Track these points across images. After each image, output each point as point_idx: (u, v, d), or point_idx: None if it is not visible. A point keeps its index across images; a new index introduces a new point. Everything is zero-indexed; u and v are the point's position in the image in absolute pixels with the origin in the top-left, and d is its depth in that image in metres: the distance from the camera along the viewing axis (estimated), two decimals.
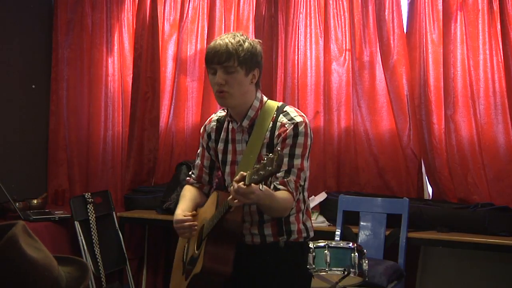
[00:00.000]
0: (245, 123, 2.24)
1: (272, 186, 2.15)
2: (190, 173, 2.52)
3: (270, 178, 2.01)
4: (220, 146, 2.33)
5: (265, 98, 2.29)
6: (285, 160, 2.14)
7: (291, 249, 2.26)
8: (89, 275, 1.45)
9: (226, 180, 2.31)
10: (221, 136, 2.33)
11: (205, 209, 2.37)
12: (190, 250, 2.37)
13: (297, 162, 2.16)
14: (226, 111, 2.35)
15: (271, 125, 2.21)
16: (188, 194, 2.43)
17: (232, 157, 2.29)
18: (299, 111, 2.25)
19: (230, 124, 2.31)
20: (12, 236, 1.28)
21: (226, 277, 2.17)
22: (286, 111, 2.23)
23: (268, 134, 2.21)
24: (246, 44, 2.16)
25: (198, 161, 2.46)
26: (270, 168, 1.86)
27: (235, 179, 1.97)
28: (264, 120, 2.22)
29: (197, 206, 2.41)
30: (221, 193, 2.27)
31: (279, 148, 2.07)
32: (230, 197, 1.99)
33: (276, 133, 2.19)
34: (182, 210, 2.33)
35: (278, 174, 2.13)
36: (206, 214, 2.31)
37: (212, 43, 2.19)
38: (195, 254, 2.28)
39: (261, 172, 1.89)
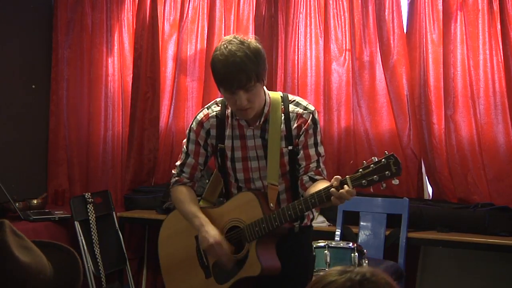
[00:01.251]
0: (261, 120, 2.27)
1: (307, 178, 2.24)
2: (177, 172, 2.41)
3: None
4: (228, 143, 2.32)
5: (268, 92, 2.32)
6: (313, 150, 2.26)
7: (304, 234, 2.37)
8: (80, 268, 1.42)
9: (238, 176, 2.32)
10: (227, 133, 2.32)
11: (234, 208, 2.31)
12: None
13: (321, 150, 2.28)
14: (220, 104, 2.36)
15: (283, 116, 2.26)
16: (192, 196, 2.37)
17: (243, 153, 2.30)
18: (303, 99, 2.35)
19: (234, 120, 2.31)
20: (3, 242, 1.26)
21: (278, 273, 2.22)
22: (294, 100, 2.31)
23: (283, 126, 2.26)
24: (254, 55, 2.11)
25: (190, 160, 2.37)
26: (388, 172, 1.99)
27: (334, 185, 2.04)
28: (275, 112, 2.27)
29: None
30: (259, 194, 2.26)
31: (308, 142, 2.24)
32: (333, 201, 2.05)
33: (294, 124, 2.26)
34: (214, 229, 2.26)
35: (311, 165, 2.24)
36: (237, 215, 2.27)
37: (221, 66, 2.11)
38: (233, 257, 2.26)
39: (375, 177, 2.00)
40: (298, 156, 2.27)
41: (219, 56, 2.14)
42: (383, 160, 1.99)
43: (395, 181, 2.00)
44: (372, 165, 2.01)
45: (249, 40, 2.16)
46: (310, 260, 2.46)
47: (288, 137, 2.26)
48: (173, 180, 2.42)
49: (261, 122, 2.27)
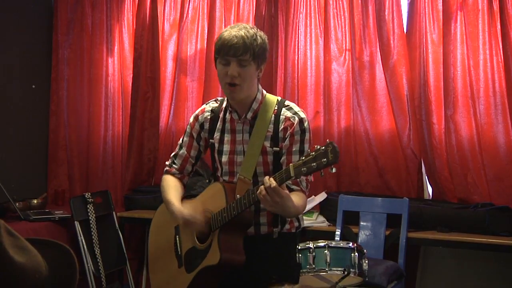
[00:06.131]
0: (249, 115, 2.30)
1: (284, 185, 2.17)
2: (169, 163, 2.49)
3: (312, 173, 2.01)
4: (216, 135, 2.36)
5: (264, 91, 2.36)
6: (297, 157, 2.21)
7: (284, 240, 2.33)
8: (76, 266, 1.41)
9: (223, 169, 2.34)
10: (217, 126, 2.36)
11: (205, 199, 2.36)
12: (186, 242, 2.36)
13: None
14: (218, 102, 2.40)
15: (273, 118, 2.28)
16: (174, 184, 2.42)
17: (231, 146, 2.33)
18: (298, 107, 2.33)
19: (227, 114, 2.35)
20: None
21: (240, 266, 2.20)
22: (288, 105, 2.31)
23: (271, 127, 2.27)
24: (260, 39, 2.24)
25: (183, 151, 2.45)
26: (325, 160, 1.92)
27: (266, 179, 2.00)
28: (266, 112, 2.29)
29: (181, 198, 2.42)
30: (227, 185, 2.28)
31: (288, 144, 2.20)
32: (259, 190, 2.02)
33: (281, 126, 2.26)
34: (185, 208, 2.30)
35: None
36: (207, 205, 2.31)
37: (226, 34, 2.22)
38: (200, 246, 2.28)
39: (313, 164, 1.94)
40: (281, 160, 2.26)
41: (229, 28, 2.25)
42: (322, 148, 1.96)
43: (332, 169, 1.95)
44: (312, 153, 1.98)
45: (257, 29, 2.30)
46: (291, 267, 2.33)
47: (274, 138, 2.27)
48: (164, 170, 2.50)
49: (248, 116, 2.29)
